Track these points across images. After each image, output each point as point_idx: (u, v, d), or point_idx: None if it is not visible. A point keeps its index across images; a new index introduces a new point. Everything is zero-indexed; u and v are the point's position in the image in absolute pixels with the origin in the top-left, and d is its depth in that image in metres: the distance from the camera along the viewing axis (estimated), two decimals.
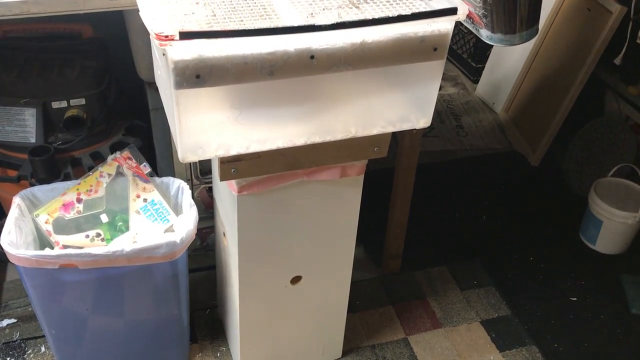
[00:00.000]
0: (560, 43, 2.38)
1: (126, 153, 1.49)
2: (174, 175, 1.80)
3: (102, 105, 1.73)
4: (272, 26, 1.08)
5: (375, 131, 1.24)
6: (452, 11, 1.10)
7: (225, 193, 1.36)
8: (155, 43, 0.97)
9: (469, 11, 1.12)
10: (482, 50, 2.90)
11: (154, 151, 1.80)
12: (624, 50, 2.12)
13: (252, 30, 1.00)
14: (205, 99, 1.07)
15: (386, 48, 1.11)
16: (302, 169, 1.27)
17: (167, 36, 0.95)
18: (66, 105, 1.67)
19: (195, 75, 1.02)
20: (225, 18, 1.11)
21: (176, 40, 0.96)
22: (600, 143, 2.29)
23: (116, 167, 1.48)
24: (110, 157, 1.49)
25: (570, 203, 2.30)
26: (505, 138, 2.63)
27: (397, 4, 1.21)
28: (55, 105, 1.65)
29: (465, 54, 3.03)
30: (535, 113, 2.50)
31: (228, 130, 1.13)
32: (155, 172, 1.80)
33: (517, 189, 2.39)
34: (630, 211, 1.99)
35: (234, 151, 1.16)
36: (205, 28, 1.07)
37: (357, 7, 1.19)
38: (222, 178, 1.21)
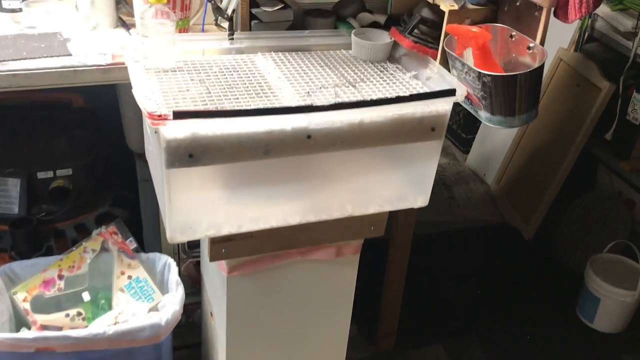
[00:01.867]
0: (551, 117, 2.39)
1: (112, 228, 1.44)
2: (160, 249, 1.74)
3: (89, 175, 1.69)
4: (269, 106, 1.06)
5: (372, 210, 1.21)
6: (451, 92, 1.09)
7: (214, 272, 1.30)
8: (147, 122, 0.94)
9: (468, 92, 1.11)
10: (472, 122, 2.91)
11: (141, 223, 1.74)
12: (614, 126, 2.13)
13: (249, 110, 0.97)
14: (197, 178, 1.03)
15: (384, 128, 1.09)
16: (296, 248, 1.22)
17: (160, 115, 0.92)
18: (52, 175, 1.62)
19: (188, 155, 0.99)
20: (220, 95, 1.09)
21: (170, 120, 0.93)
22: (593, 217, 2.27)
23: (101, 242, 1.42)
24: (95, 232, 1.43)
25: (565, 278, 2.25)
26: (497, 210, 2.60)
27: (394, 83, 1.20)
28: (41, 175, 1.61)
29: (455, 124, 3.05)
30: (527, 186, 2.48)
31: (220, 209, 1.08)
32: (142, 244, 1.73)
33: (511, 263, 2.35)
34: (627, 288, 1.94)
35: (225, 231, 1.11)
36: (201, 106, 1.04)
37: (354, 86, 1.18)
38: (212, 258, 1.16)
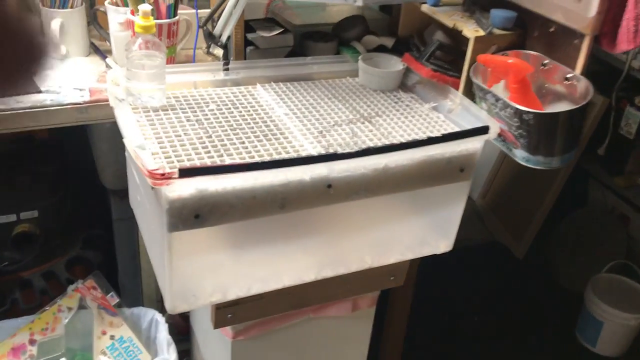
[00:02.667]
0: None
1: (90, 282, 1.27)
2: (140, 293, 1.57)
3: (57, 217, 1.51)
4: (280, 150, 0.92)
5: (392, 260, 1.08)
6: (484, 130, 0.97)
7: (213, 333, 1.15)
8: (147, 183, 0.79)
9: (501, 129, 0.99)
10: None
11: (116, 266, 1.57)
12: (607, 141, 2.06)
13: (267, 162, 0.83)
14: (203, 239, 0.88)
15: (410, 172, 0.96)
16: (309, 306, 1.08)
17: (163, 174, 0.77)
18: (15, 219, 1.43)
19: (194, 215, 0.84)
20: (223, 139, 0.94)
21: (175, 178, 0.78)
22: (587, 234, 2.20)
23: (78, 299, 1.25)
24: (70, 288, 1.26)
25: (561, 298, 2.18)
26: (485, 228, 2.51)
27: (413, 117, 1.08)
28: (2, 220, 1.42)
29: None
30: (515, 201, 2.40)
31: (227, 271, 0.94)
32: (117, 289, 1.57)
33: (504, 284, 2.26)
34: (629, 310, 1.87)
35: (232, 295, 0.96)
36: (203, 154, 0.90)
37: (369, 122, 1.05)
38: (217, 325, 1.01)
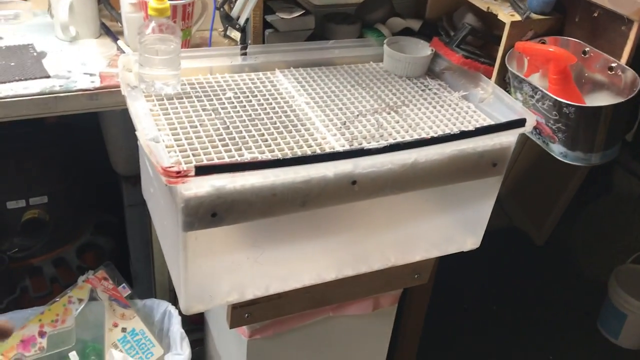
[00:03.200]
0: None
1: (101, 273, 1.23)
2: (153, 281, 1.53)
3: (67, 202, 1.46)
4: (304, 147, 0.86)
5: (417, 257, 1.03)
6: (521, 123, 0.91)
7: (228, 330, 1.11)
8: (161, 180, 0.73)
9: (537, 122, 0.93)
10: None
11: (129, 252, 1.53)
12: (635, 126, 1.98)
13: (288, 160, 0.77)
14: (220, 238, 0.83)
15: (440, 167, 0.90)
16: (329, 305, 1.04)
17: (179, 172, 0.72)
18: (24, 205, 1.39)
19: (210, 214, 0.78)
20: (241, 130, 0.89)
21: (191, 176, 0.72)
22: (610, 223, 2.14)
23: (89, 290, 1.21)
24: (81, 279, 1.22)
25: (582, 288, 2.13)
26: (504, 213, 2.45)
27: (442, 107, 1.02)
28: (11, 205, 1.37)
29: None
30: (536, 186, 2.33)
31: (245, 271, 0.89)
32: (129, 278, 1.53)
33: (524, 272, 2.21)
34: None
35: (250, 295, 0.92)
36: (220, 147, 0.84)
37: (396, 112, 0.98)
38: (233, 325, 0.97)
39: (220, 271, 0.87)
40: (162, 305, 1.25)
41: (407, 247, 1.00)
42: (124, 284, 1.24)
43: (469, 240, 1.06)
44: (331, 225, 0.91)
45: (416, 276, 1.07)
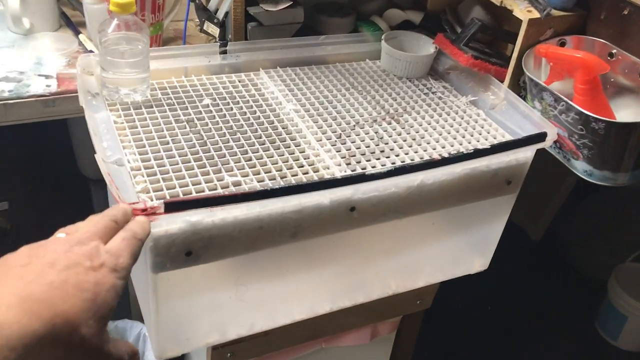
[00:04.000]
0: None
1: None
2: (128, 298, 1.41)
3: (31, 208, 1.33)
4: (294, 167, 0.74)
5: (421, 283, 0.92)
6: (541, 138, 0.79)
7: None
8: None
9: (558, 135, 0.82)
10: None
11: None
12: None
13: (276, 190, 0.65)
14: (197, 278, 0.71)
15: (449, 188, 0.79)
16: (322, 337, 0.93)
17: (144, 210, 0.59)
18: None
19: (185, 252, 0.66)
20: (221, 147, 0.76)
21: (160, 214, 0.60)
22: (610, 218, 2.04)
23: None
24: None
25: (580, 285, 2.04)
26: None
27: (448, 115, 0.90)
28: None
29: None
30: (532, 179, 2.23)
31: (227, 310, 0.77)
32: None
33: (519, 268, 2.12)
34: None
35: (232, 334, 0.80)
36: (198, 172, 0.72)
37: (397, 122, 0.86)
38: None
39: (198, 312, 0.75)
40: (136, 327, 1.13)
41: (409, 274, 0.89)
42: None
43: (477, 261, 0.96)
44: (325, 255, 0.79)
45: (418, 302, 0.96)
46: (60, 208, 1.42)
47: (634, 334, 1.79)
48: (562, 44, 0.87)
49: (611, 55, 0.85)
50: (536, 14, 0.85)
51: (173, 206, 0.61)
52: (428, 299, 0.97)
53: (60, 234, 0.51)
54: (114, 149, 0.71)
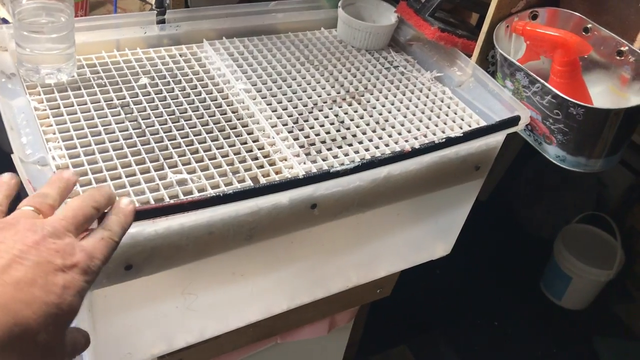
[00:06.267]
0: None
1: None
2: None
3: None
4: (248, 160, 0.66)
5: (382, 273, 0.87)
6: (513, 122, 0.74)
7: None
8: None
9: (531, 117, 0.76)
10: None
11: None
12: None
13: (229, 195, 0.57)
14: (139, 290, 0.63)
15: (416, 178, 0.73)
16: (278, 334, 0.86)
17: None
18: None
19: (124, 266, 0.58)
20: (162, 137, 0.67)
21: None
22: (558, 178, 2.05)
23: None
24: None
25: (525, 245, 2.06)
26: None
27: (412, 93, 0.83)
28: None
29: None
30: None
31: (173, 319, 0.69)
32: None
33: (466, 230, 2.11)
34: (599, 265, 1.76)
35: (180, 342, 0.73)
36: (139, 175, 0.62)
37: (358, 102, 0.79)
38: None
39: (141, 325, 0.67)
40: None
41: (371, 265, 0.83)
42: None
43: (440, 247, 0.91)
44: (283, 255, 0.72)
45: (378, 291, 0.91)
46: None
47: (578, 293, 1.83)
48: (535, 17, 0.81)
49: (586, 30, 0.79)
50: None
51: None
52: (388, 288, 0.92)
53: (27, 207, 0.44)
54: (35, 145, 0.60)
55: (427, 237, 0.87)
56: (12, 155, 0.58)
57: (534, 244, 2.02)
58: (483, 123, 0.79)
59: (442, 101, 0.82)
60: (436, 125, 0.78)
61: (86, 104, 0.69)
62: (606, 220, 1.83)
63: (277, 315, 0.80)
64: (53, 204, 0.45)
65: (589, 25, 0.78)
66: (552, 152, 0.77)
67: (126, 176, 0.62)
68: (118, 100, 0.71)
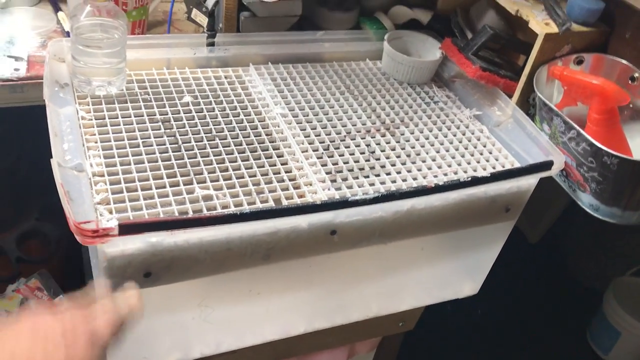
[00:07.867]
0: None
1: (34, 282, 1.05)
2: None
3: (9, 182, 1.27)
4: (273, 182, 0.67)
5: (404, 307, 0.86)
6: (547, 166, 0.73)
7: None
8: (78, 239, 0.55)
9: (565, 163, 0.75)
10: None
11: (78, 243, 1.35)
12: None
13: (246, 214, 0.59)
14: (157, 299, 0.65)
15: (442, 214, 0.73)
16: (295, 356, 0.87)
17: (96, 231, 0.53)
18: None
19: (143, 274, 0.61)
20: (196, 154, 0.70)
21: (113, 236, 0.54)
22: (613, 227, 1.97)
23: (19, 301, 1.04)
24: (11, 288, 1.04)
25: (575, 294, 1.99)
26: None
27: (449, 129, 0.83)
28: None
29: None
30: None
31: (190, 330, 0.71)
32: (80, 265, 1.35)
33: (514, 273, 2.06)
34: None
35: (196, 353, 0.75)
36: (167, 183, 0.65)
37: (392, 134, 0.80)
38: None
39: (158, 331, 0.69)
40: None
41: (393, 297, 0.83)
42: (61, 296, 1.07)
43: (467, 286, 0.90)
44: (301, 278, 0.73)
45: (401, 324, 0.91)
46: (36, 178, 1.36)
47: (626, 350, 1.74)
48: (580, 62, 0.80)
49: (632, 79, 0.77)
50: (554, 28, 0.78)
51: (128, 228, 0.54)
52: (411, 321, 0.91)
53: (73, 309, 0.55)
54: (75, 152, 0.64)
55: (454, 274, 0.86)
56: (51, 160, 0.62)
57: (583, 293, 1.95)
58: (517, 165, 0.79)
59: (479, 139, 0.82)
60: (468, 164, 0.78)
61: (130, 116, 0.73)
62: None
63: (295, 337, 0.81)
64: None
65: (636, 75, 0.77)
66: (586, 200, 0.76)
67: (156, 188, 0.65)
68: (160, 115, 0.75)
